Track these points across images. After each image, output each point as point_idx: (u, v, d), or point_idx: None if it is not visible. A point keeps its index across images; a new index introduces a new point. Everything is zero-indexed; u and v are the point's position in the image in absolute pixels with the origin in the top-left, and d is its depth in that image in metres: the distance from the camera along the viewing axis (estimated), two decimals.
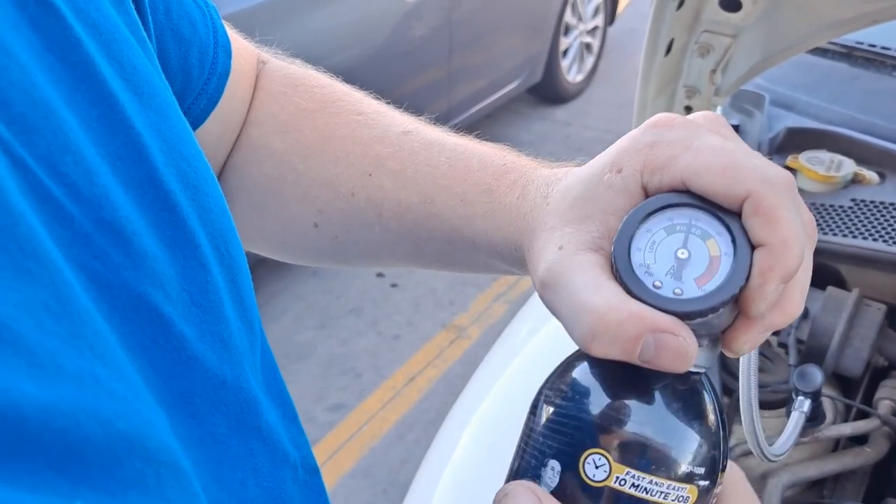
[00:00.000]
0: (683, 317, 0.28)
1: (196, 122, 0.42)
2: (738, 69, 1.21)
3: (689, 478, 0.28)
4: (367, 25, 2.94)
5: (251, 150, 0.45)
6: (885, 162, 1.18)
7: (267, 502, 0.32)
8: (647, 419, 0.28)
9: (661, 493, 0.28)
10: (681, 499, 0.28)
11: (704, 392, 0.30)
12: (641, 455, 0.28)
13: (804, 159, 1.19)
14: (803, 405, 0.89)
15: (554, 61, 3.98)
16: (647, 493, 0.28)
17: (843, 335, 1.00)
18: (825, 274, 1.10)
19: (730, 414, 1.01)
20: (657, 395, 0.29)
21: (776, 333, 1.08)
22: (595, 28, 4.26)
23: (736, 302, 0.29)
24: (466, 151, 0.41)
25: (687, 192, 0.30)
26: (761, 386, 1.02)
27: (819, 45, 1.19)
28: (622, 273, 0.29)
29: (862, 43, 1.34)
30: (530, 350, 1.23)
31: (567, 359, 0.31)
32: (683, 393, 0.29)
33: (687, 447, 0.28)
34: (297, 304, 2.94)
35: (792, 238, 0.27)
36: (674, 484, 0.28)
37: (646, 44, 1.09)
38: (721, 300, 0.28)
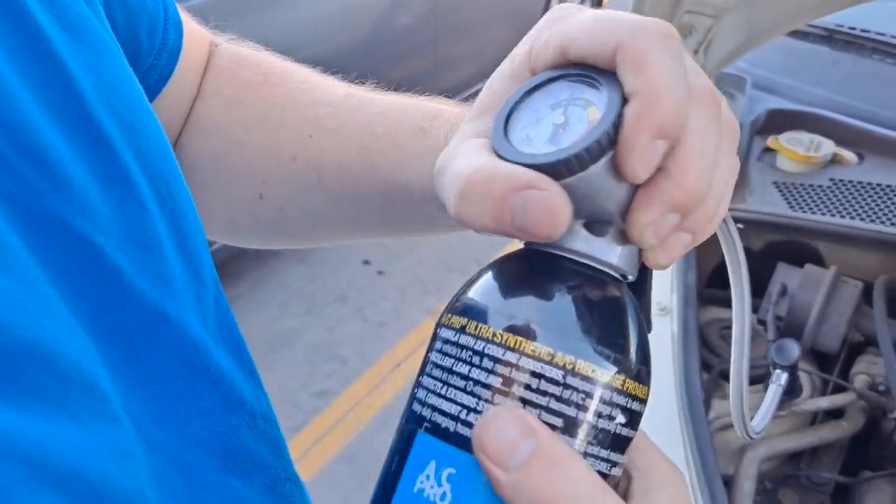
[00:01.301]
0: (550, 173, 0.25)
1: (148, 98, 0.42)
2: (721, 51, 1.22)
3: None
4: (353, 14, 2.93)
5: (196, 125, 0.45)
6: (864, 142, 1.19)
7: (215, 445, 0.31)
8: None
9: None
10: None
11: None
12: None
13: (784, 140, 1.20)
14: (780, 378, 0.91)
15: None
16: None
17: (821, 312, 1.01)
18: (804, 252, 1.11)
19: (708, 389, 1.02)
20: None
21: (754, 310, 1.09)
22: None
23: (617, 171, 0.25)
24: (404, 102, 0.41)
25: (572, 65, 0.27)
26: None
27: (801, 26, 1.20)
28: (494, 140, 0.27)
29: (842, 26, 1.35)
30: None
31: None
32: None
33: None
34: (283, 291, 2.93)
35: (664, 84, 0.24)
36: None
37: None
38: (580, 148, 0.25)
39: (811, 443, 0.98)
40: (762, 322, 1.07)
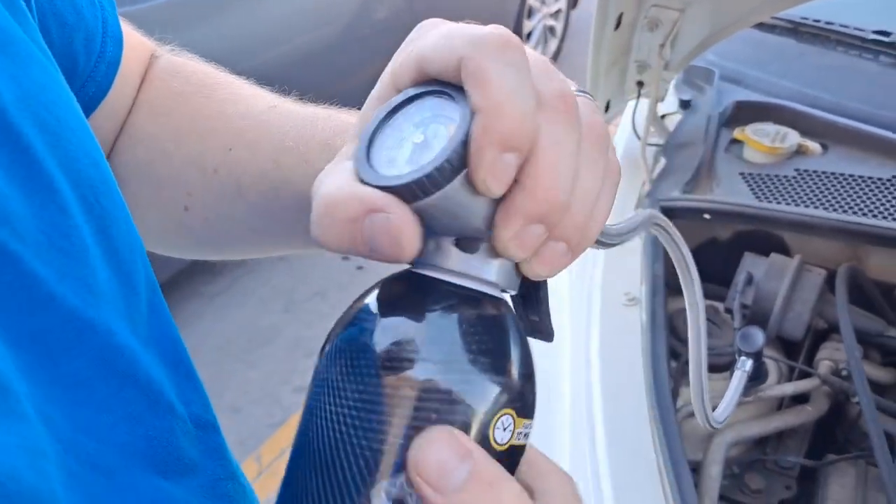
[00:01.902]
0: (405, 195, 0.25)
1: (86, 110, 0.42)
2: (687, 43, 1.24)
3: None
4: (328, 9, 2.92)
5: (126, 136, 0.46)
6: (829, 133, 1.22)
7: (143, 448, 0.31)
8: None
9: (526, 435, 0.27)
10: (522, 435, 0.27)
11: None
12: (525, 402, 0.27)
13: (751, 131, 1.22)
14: (745, 365, 0.92)
15: None
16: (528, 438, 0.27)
17: (786, 300, 1.03)
18: (770, 241, 1.13)
19: (676, 377, 1.04)
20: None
21: (721, 299, 1.11)
22: (558, 11, 4.28)
23: (471, 185, 0.25)
24: (318, 116, 0.41)
25: (434, 81, 0.27)
26: (709, 349, 1.05)
27: (765, 18, 1.22)
28: (355, 163, 0.26)
29: (807, 18, 1.37)
30: None
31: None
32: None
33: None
34: (262, 288, 2.93)
35: (504, 97, 0.24)
36: (529, 422, 0.27)
37: (595, 17, 1.11)
38: (431, 168, 0.24)
39: (777, 428, 1.00)
40: (729, 310, 1.09)
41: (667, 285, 1.18)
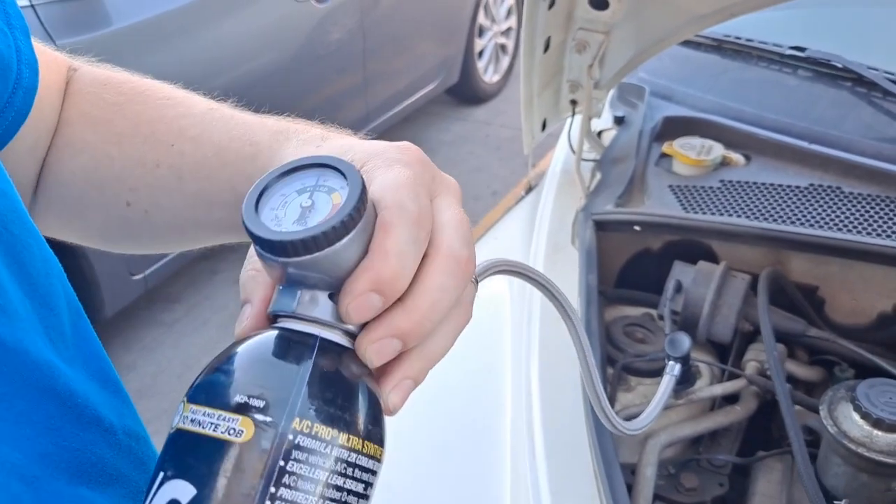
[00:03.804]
0: (301, 247, 0.30)
1: (6, 135, 0.44)
2: (615, 63, 1.29)
3: (241, 409, 0.29)
4: (280, 32, 2.95)
5: (66, 146, 0.49)
6: (751, 145, 1.28)
7: (66, 459, 0.34)
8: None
9: (212, 424, 0.29)
10: (231, 430, 0.29)
11: (297, 346, 0.31)
12: (200, 389, 0.31)
13: (678, 145, 1.28)
14: (674, 369, 0.97)
15: (470, 62, 4.07)
16: (199, 426, 0.29)
17: (712, 305, 1.09)
18: (697, 250, 1.18)
19: (613, 382, 1.08)
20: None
21: (655, 307, 1.16)
22: (509, 29, 4.36)
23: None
24: (262, 117, 0.46)
25: (320, 156, 0.33)
26: (641, 355, 1.10)
27: (686, 38, 1.28)
28: (245, 216, 0.31)
29: (729, 36, 1.44)
30: None
31: None
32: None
33: (244, 378, 0.30)
34: (220, 313, 2.93)
35: (393, 252, 0.30)
36: (224, 414, 0.29)
37: (523, 42, 1.16)
38: (322, 230, 0.29)
39: (708, 428, 1.04)
40: (661, 317, 1.14)
41: (605, 297, 1.23)
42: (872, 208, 1.13)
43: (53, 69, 0.49)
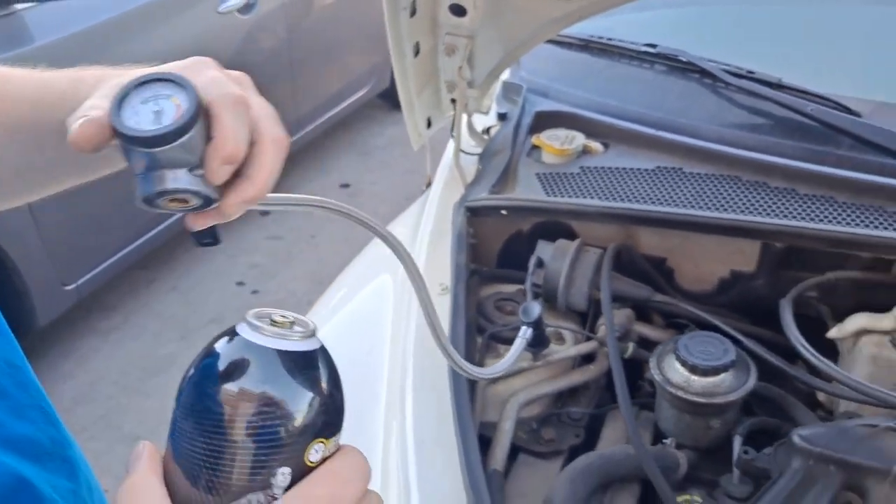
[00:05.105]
0: (160, 140, 0.43)
1: None
2: (486, 64, 1.42)
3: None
4: (207, 44, 3.03)
5: None
6: (609, 134, 1.42)
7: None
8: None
9: None
10: None
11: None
12: None
13: (545, 137, 1.41)
14: (526, 333, 1.09)
15: None
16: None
17: (568, 277, 1.21)
18: (560, 230, 1.31)
19: (481, 350, 1.20)
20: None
21: (521, 282, 1.29)
22: None
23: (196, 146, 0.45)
24: (71, 70, 0.58)
25: (155, 73, 0.46)
26: (507, 325, 1.22)
27: (547, 39, 1.41)
28: (112, 116, 0.44)
29: (593, 36, 1.58)
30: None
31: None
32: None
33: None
34: (156, 320, 3.00)
35: (230, 134, 0.44)
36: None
37: (391, 48, 1.27)
38: (175, 126, 0.43)
39: (565, 386, 1.17)
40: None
41: (482, 276, 1.35)
42: (709, 185, 1.27)
43: None
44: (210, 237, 0.55)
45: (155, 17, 2.79)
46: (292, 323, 0.43)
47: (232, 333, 0.43)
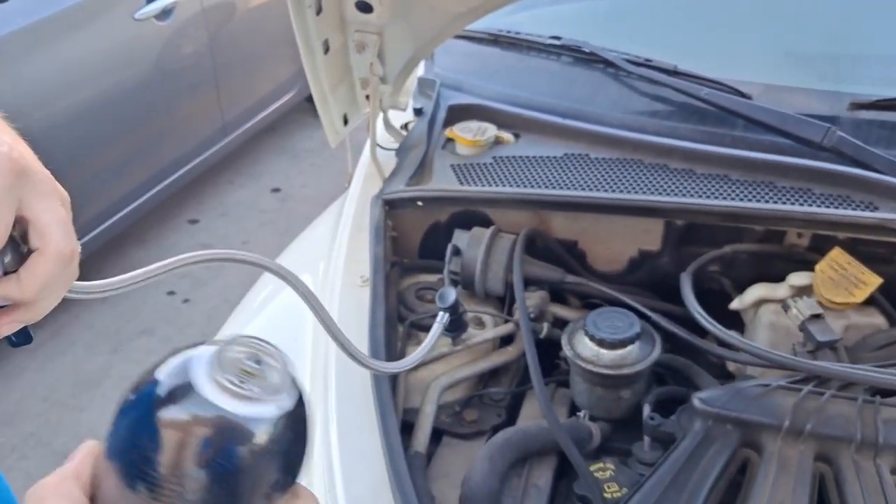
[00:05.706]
0: None
1: None
2: (398, 60, 1.45)
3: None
4: (127, 51, 2.99)
5: None
6: (520, 124, 1.46)
7: None
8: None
9: None
10: None
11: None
12: None
13: (457, 129, 1.45)
14: (443, 318, 1.13)
15: None
16: None
17: (484, 263, 1.25)
18: (477, 218, 1.35)
19: (403, 338, 1.23)
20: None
21: (441, 272, 1.32)
22: None
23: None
24: None
25: None
26: (427, 313, 1.25)
27: (455, 33, 1.45)
28: None
29: (502, 30, 1.63)
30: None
31: None
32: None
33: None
34: (87, 332, 2.94)
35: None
36: None
37: (300, 46, 1.29)
38: None
39: (485, 368, 1.21)
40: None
41: (403, 268, 1.38)
42: (615, 169, 1.33)
43: None
44: (22, 336, 0.58)
45: (68, 26, 2.74)
46: (261, 371, 0.41)
47: (187, 384, 0.40)
